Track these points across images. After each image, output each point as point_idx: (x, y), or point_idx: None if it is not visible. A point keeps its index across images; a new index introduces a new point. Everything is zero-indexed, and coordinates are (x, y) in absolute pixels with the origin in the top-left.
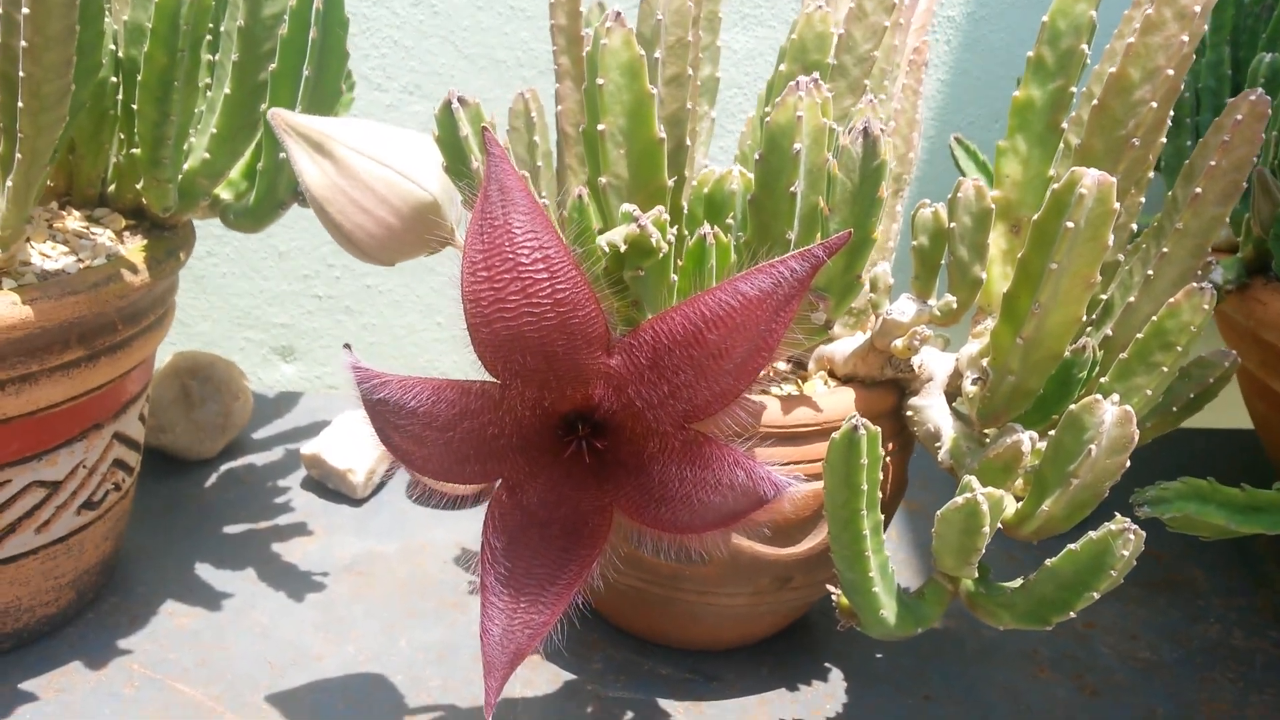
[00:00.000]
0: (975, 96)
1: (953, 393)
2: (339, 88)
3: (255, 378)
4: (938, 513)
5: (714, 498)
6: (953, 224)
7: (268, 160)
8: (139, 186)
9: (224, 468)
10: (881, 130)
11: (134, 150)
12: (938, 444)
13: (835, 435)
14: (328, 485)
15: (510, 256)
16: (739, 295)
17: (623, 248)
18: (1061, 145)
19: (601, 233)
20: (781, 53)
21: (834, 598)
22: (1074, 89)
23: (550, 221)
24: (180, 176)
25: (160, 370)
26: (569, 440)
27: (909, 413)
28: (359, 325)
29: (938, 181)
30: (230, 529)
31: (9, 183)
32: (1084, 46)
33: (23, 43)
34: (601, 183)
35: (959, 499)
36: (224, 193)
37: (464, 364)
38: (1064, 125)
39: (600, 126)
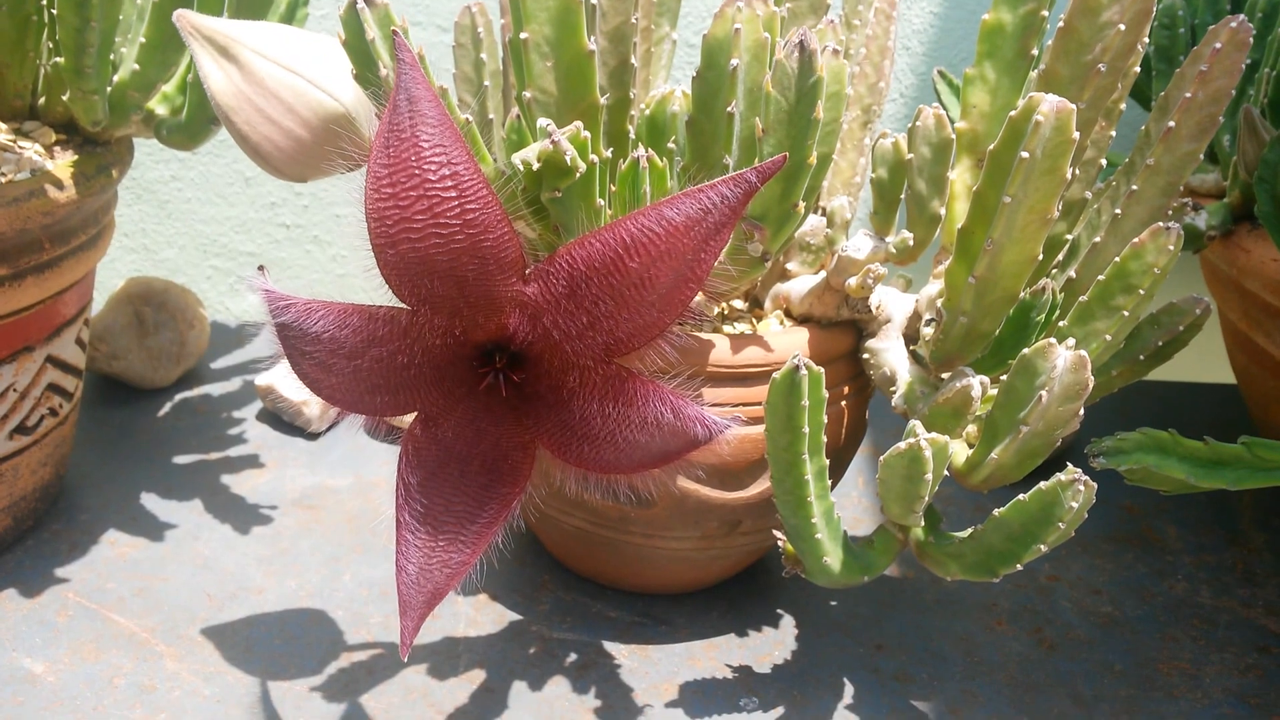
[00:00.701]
0: (970, 29)
1: (912, 335)
2: None
3: (223, 306)
4: (881, 458)
5: (640, 437)
6: (911, 155)
7: (199, 72)
8: (66, 99)
9: (178, 397)
10: (836, 50)
11: (59, 60)
12: (893, 388)
13: (776, 376)
14: (283, 417)
15: (417, 173)
16: (664, 221)
17: (536, 166)
18: (1034, 74)
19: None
20: None
21: (779, 543)
22: (1046, 13)
23: (460, 136)
24: (110, 89)
25: (113, 295)
26: (485, 372)
27: (865, 355)
28: (328, 256)
29: None
30: (180, 459)
31: None
32: None
33: None
34: (526, 97)
35: (901, 444)
36: (159, 107)
37: None
38: (1035, 52)
39: (523, 35)
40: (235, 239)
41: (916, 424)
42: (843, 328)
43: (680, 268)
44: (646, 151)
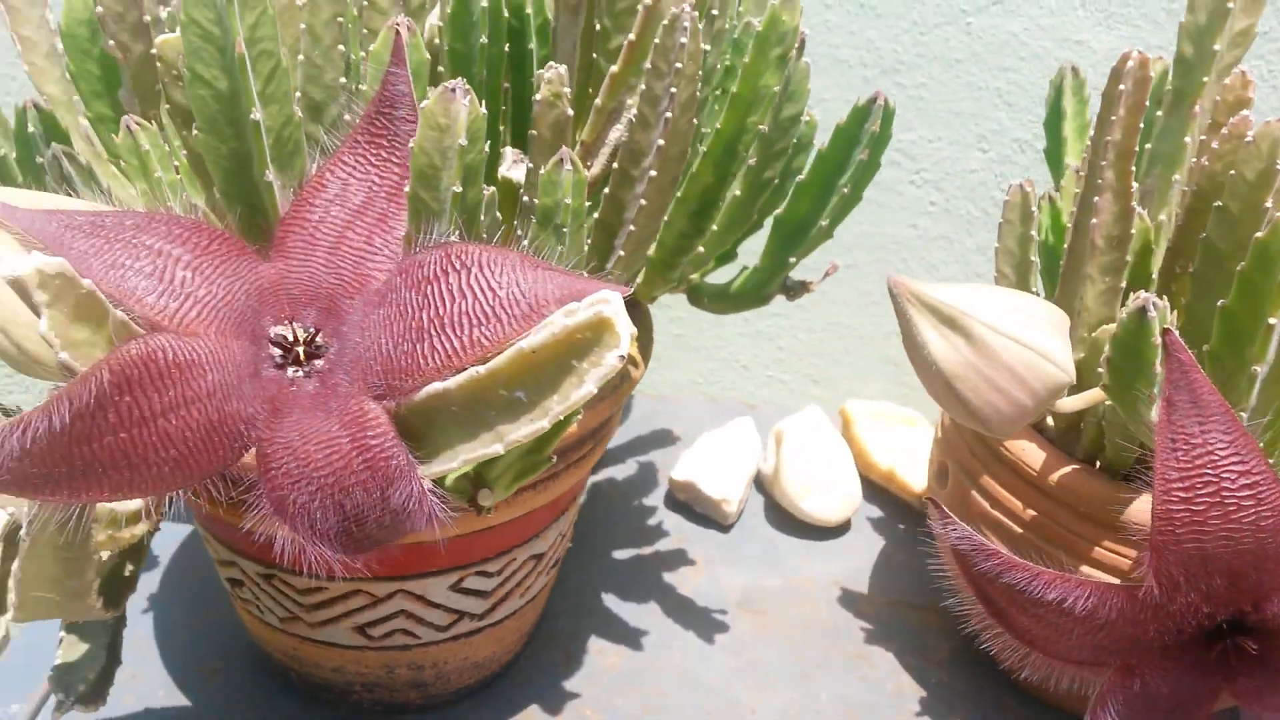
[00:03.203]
0: None
1: None
2: (860, 196)
3: None
4: None
5: None
6: None
7: (769, 260)
8: (638, 281)
9: (589, 482)
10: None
11: (650, 254)
12: None
13: None
14: (694, 509)
15: (1212, 480)
16: None
17: None
18: None
19: None
20: None
21: None
22: None
23: (1255, 441)
24: None
25: None
26: (1214, 640)
27: None
28: (667, 319)
29: None
30: (618, 554)
31: None
32: None
33: (651, 172)
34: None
35: None
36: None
37: (764, 358)
38: None
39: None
40: None
41: None
42: None
43: None
44: None
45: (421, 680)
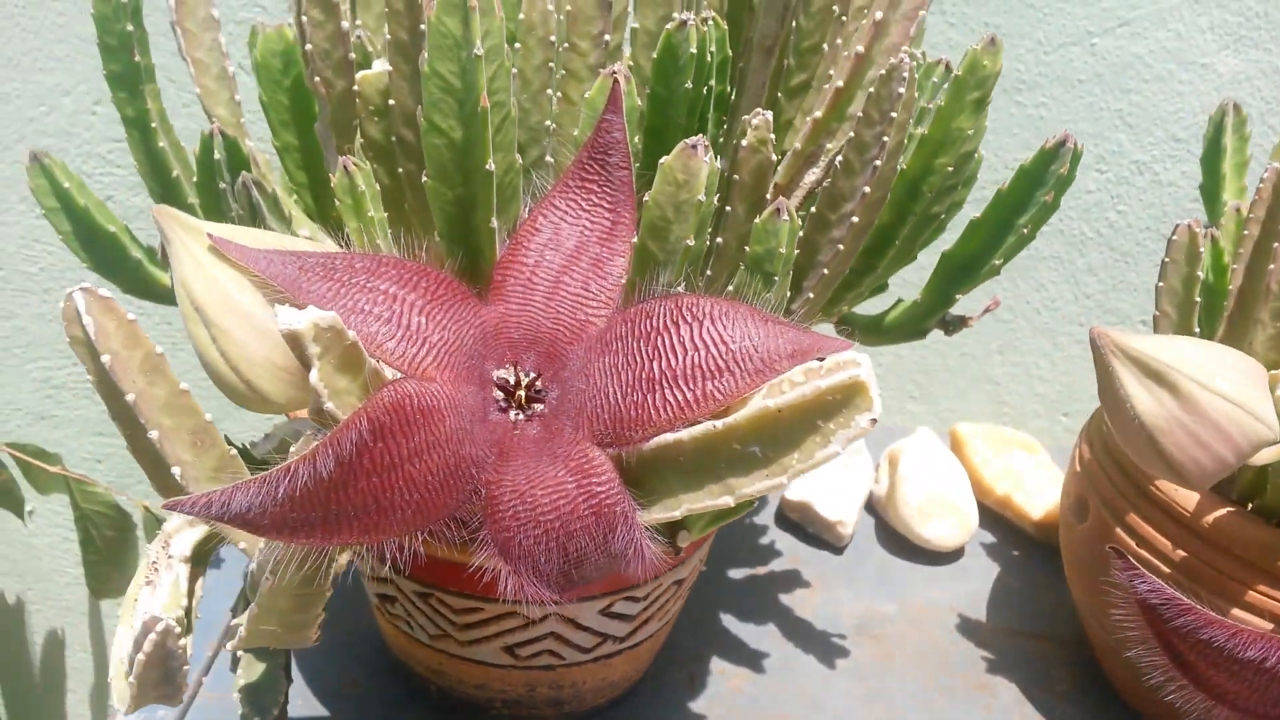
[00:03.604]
0: None
1: None
2: (1035, 236)
3: None
4: None
5: None
6: None
7: (932, 294)
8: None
9: None
10: None
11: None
12: None
13: None
14: (806, 529)
15: None
16: None
17: None
18: None
19: None
20: None
21: None
22: None
23: None
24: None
25: None
26: None
27: None
28: None
29: None
30: (733, 573)
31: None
32: None
33: (853, 218)
34: None
35: None
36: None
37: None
38: None
39: None
40: None
41: None
42: None
43: None
44: None
45: (559, 699)
